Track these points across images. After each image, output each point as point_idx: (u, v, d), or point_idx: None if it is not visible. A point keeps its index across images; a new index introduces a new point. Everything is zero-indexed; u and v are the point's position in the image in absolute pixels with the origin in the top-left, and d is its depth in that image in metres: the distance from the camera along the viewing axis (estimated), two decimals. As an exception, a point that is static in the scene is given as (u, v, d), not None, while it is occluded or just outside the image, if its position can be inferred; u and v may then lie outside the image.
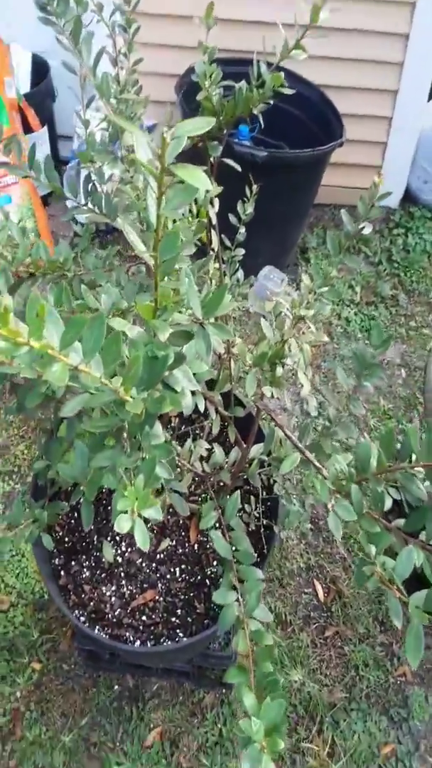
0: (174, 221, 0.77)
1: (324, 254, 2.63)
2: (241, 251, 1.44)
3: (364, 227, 0.97)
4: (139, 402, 0.54)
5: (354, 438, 1.05)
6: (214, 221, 1.06)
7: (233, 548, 0.98)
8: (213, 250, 1.12)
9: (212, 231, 1.09)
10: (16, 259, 0.81)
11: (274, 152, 2.09)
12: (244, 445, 1.02)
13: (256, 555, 1.24)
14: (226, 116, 0.95)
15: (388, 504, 0.77)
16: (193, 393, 0.76)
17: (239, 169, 1.01)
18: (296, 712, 1.52)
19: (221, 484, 1.12)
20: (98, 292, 0.85)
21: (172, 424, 1.44)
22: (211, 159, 1.02)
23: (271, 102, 0.93)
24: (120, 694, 1.52)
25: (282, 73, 0.89)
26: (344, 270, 2.59)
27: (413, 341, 2.38)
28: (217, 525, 1.04)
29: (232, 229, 1.37)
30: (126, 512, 0.55)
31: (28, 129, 2.12)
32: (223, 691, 1.52)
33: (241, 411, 1.01)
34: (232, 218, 1.39)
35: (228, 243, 1.44)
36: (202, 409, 0.84)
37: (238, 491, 1.04)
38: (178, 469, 1.12)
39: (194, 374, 0.69)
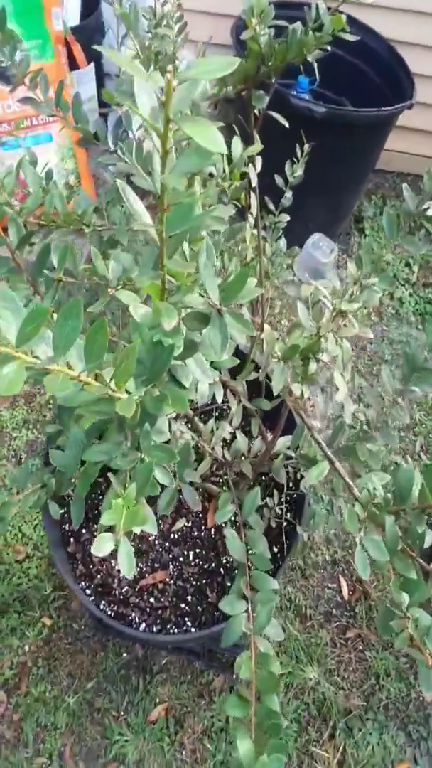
0: (189, 185, 0.67)
1: (381, 225, 2.47)
2: (286, 217, 1.32)
3: (428, 207, 0.85)
4: (132, 402, 0.45)
5: (395, 445, 0.94)
6: (255, 183, 0.95)
7: (248, 549, 0.91)
8: (251, 214, 1.01)
9: (252, 194, 0.98)
10: (24, 208, 0.72)
11: (335, 109, 1.92)
12: (269, 438, 0.93)
13: (274, 555, 1.16)
14: (275, 61, 0.83)
15: (428, 540, 0.67)
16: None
17: (286, 125, 0.89)
18: (308, 712, 1.46)
19: (242, 473, 1.03)
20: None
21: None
22: (256, 111, 0.90)
23: (329, 49, 0.80)
24: (128, 662, 1.48)
25: (344, 16, 0.76)
26: (401, 246, 2.43)
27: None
28: (234, 520, 0.96)
29: (281, 191, 1.26)
30: (111, 529, 0.47)
31: (73, 65, 2.00)
32: (234, 676, 1.47)
33: (268, 405, 0.92)
34: (278, 180, 1.27)
35: (273, 207, 1.32)
36: (220, 400, 0.74)
37: (258, 487, 0.95)
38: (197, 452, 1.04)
39: (212, 363, 0.60)
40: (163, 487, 0.91)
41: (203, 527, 1.21)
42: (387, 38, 2.21)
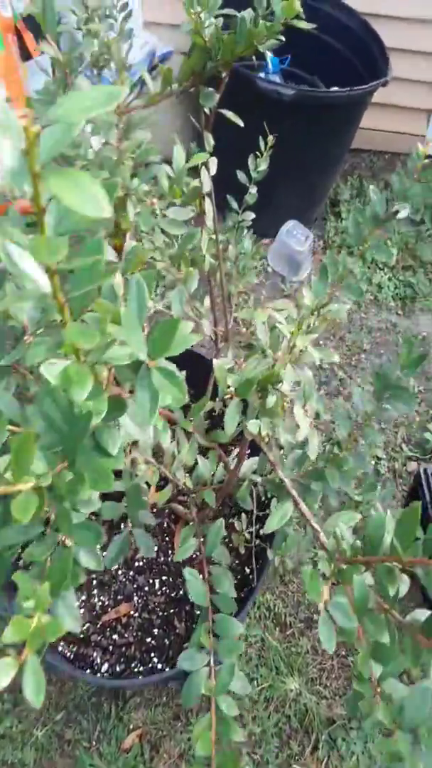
0: (121, 205, 0.58)
1: (357, 209, 2.37)
2: (251, 215, 1.24)
3: (398, 211, 0.77)
4: (30, 502, 0.38)
5: (367, 471, 0.88)
6: (208, 187, 0.86)
7: (212, 590, 0.84)
8: (207, 220, 0.92)
9: (206, 199, 0.89)
10: None
11: (305, 91, 1.82)
12: (233, 464, 0.85)
13: (246, 576, 1.09)
14: (223, 55, 0.74)
15: (403, 589, 0.60)
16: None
17: (241, 123, 0.80)
18: (290, 725, 1.41)
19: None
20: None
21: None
22: (206, 110, 0.81)
23: (282, 39, 0.71)
24: (99, 689, 1.42)
25: (297, 1, 0.66)
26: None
27: (452, 314, 2.15)
28: (198, 552, 0.89)
29: (250, 179, 1.17)
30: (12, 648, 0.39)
31: (27, 55, 1.87)
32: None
33: (226, 437, 0.84)
34: (241, 176, 1.19)
35: (236, 205, 1.24)
36: (166, 445, 0.67)
37: (222, 519, 0.88)
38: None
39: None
40: (113, 529, 0.84)
41: (170, 552, 1.14)
42: (360, 12, 2.10)
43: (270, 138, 1.16)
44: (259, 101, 1.75)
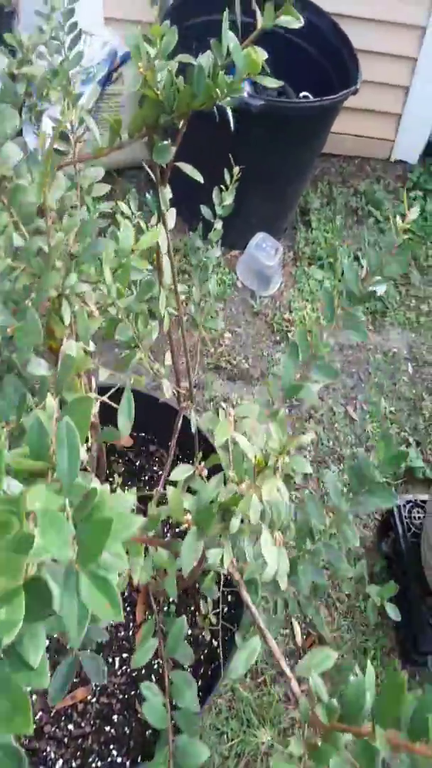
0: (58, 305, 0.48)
1: (327, 218, 2.28)
2: (216, 252, 1.14)
3: (375, 290, 0.68)
4: None
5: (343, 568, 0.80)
6: (165, 248, 0.76)
7: (172, 703, 0.75)
8: (165, 280, 0.82)
9: (164, 257, 0.79)
10: None
11: (273, 101, 1.71)
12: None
13: (213, 649, 0.99)
14: (179, 108, 0.63)
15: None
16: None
17: (200, 180, 0.70)
18: (261, 782, 1.35)
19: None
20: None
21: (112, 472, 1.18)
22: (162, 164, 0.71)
23: (246, 94, 0.61)
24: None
25: (258, 53, 0.56)
26: (349, 238, 2.25)
27: (424, 329, 2.08)
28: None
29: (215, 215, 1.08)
30: None
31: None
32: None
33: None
34: (206, 211, 1.09)
35: (200, 242, 1.14)
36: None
37: (184, 616, 0.79)
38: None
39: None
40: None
41: (131, 624, 1.05)
42: (330, 12, 1.99)
43: (236, 169, 1.06)
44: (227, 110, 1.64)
